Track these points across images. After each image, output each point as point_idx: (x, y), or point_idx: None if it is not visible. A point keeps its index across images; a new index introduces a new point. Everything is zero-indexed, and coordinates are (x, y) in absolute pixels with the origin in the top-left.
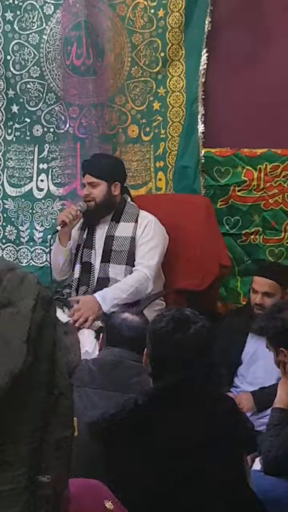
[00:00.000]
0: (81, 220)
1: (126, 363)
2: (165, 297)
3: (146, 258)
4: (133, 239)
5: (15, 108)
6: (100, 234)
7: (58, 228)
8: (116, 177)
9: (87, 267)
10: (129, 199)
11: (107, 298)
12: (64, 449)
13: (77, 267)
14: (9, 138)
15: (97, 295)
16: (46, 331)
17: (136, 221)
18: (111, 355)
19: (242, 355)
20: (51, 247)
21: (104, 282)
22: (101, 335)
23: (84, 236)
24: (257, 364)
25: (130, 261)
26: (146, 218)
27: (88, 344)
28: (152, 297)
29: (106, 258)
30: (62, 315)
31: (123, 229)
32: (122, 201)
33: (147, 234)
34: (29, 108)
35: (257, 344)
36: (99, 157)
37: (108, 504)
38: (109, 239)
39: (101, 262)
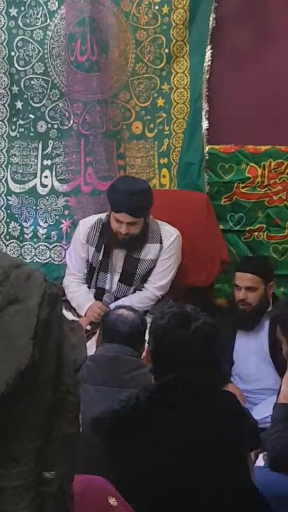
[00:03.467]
0: (96, 239)
1: (123, 358)
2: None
3: (158, 278)
4: (156, 260)
5: (19, 104)
6: (119, 256)
7: (88, 327)
8: (151, 208)
9: (100, 293)
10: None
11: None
12: (70, 445)
13: (92, 291)
14: (13, 134)
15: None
16: (52, 328)
17: (161, 241)
18: (108, 351)
19: (233, 354)
20: (55, 244)
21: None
22: (98, 331)
23: (100, 258)
24: (249, 361)
25: (144, 279)
26: (169, 236)
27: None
28: (166, 298)
29: (128, 281)
30: (69, 315)
31: (149, 252)
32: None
33: (169, 252)
34: (33, 104)
35: (245, 342)
36: (136, 194)
37: (112, 501)
38: (133, 261)
39: (119, 281)
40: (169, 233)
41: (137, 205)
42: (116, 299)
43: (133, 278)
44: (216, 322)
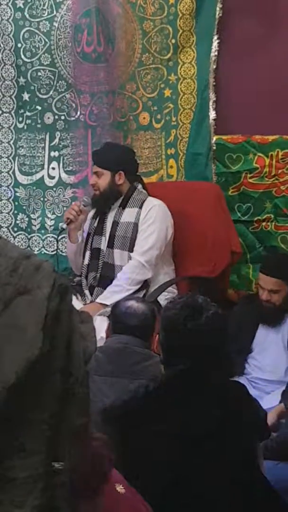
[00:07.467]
0: (94, 210)
1: (132, 349)
2: (177, 284)
3: (141, 245)
4: (135, 224)
5: (26, 96)
6: (110, 221)
7: (64, 226)
8: (121, 167)
9: (96, 253)
10: (139, 187)
11: (107, 293)
12: (80, 436)
13: (87, 254)
14: (20, 126)
15: (98, 299)
16: (62, 319)
17: (141, 207)
18: (118, 342)
19: (253, 344)
20: (63, 235)
21: (109, 267)
22: (108, 323)
23: (95, 224)
24: (266, 352)
25: (131, 247)
26: (151, 203)
27: (102, 330)
28: (164, 286)
29: (111, 243)
30: (76, 302)
31: (128, 215)
32: (131, 189)
33: (148, 220)
34: (40, 96)
35: (266, 334)
36: (107, 147)
37: (120, 488)
38: (115, 224)
39: (107, 247)
40: (151, 201)
41: (102, 155)
42: (107, 264)
43: (113, 239)
44: (240, 309)
